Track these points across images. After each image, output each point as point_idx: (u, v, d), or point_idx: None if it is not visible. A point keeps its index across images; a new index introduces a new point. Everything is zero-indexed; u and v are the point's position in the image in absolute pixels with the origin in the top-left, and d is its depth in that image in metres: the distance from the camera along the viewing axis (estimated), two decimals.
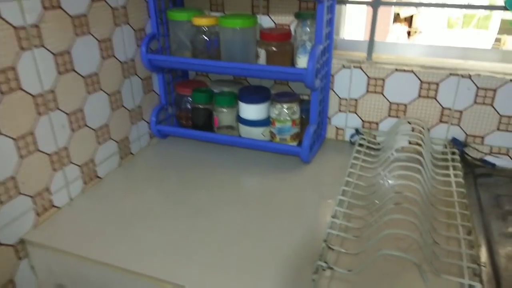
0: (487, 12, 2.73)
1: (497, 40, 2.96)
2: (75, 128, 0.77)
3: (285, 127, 0.90)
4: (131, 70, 0.90)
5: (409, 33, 3.19)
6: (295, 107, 0.90)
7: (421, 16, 3.09)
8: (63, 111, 0.74)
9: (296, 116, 0.90)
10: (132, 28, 0.89)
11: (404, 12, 2.89)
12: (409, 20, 3.17)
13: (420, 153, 0.78)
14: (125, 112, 0.91)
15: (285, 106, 0.89)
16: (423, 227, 0.60)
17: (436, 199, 0.73)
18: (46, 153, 0.72)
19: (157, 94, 1.02)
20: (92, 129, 0.82)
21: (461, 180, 0.77)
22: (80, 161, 0.80)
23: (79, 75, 0.77)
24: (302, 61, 0.88)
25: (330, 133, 1.02)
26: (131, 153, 0.95)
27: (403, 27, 2.98)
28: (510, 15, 2.94)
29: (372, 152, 0.90)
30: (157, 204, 0.78)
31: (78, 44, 0.75)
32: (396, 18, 3.08)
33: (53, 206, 0.75)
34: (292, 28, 0.95)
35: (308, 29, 0.86)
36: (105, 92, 0.83)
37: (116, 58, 0.85)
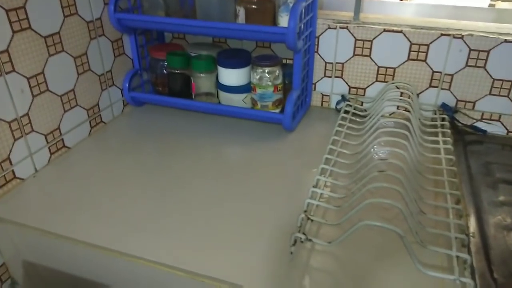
0: None
1: (491, 5, 2.89)
2: (36, 93, 0.71)
3: (267, 93, 0.85)
4: (98, 30, 0.83)
5: None
6: (277, 71, 0.84)
7: None
8: (21, 74, 0.67)
9: (279, 81, 0.84)
10: None
11: None
12: None
13: (408, 119, 0.73)
14: (93, 76, 0.84)
15: (266, 70, 0.83)
16: (408, 196, 0.56)
17: (424, 167, 0.69)
18: (4, 120, 0.66)
19: (129, 58, 0.95)
20: (56, 94, 0.75)
21: (450, 147, 0.73)
22: (45, 130, 0.74)
23: (38, 34, 0.69)
24: (284, 20, 0.81)
25: (315, 100, 0.96)
26: (103, 122, 0.89)
27: None
28: None
29: (358, 119, 0.85)
30: (129, 175, 0.73)
31: None
32: None
33: (16, 177, 0.70)
34: None
35: None
36: (68, 54, 0.76)
37: (80, 17, 0.78)
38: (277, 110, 0.88)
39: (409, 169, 0.62)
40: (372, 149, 0.69)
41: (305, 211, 0.58)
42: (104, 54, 0.86)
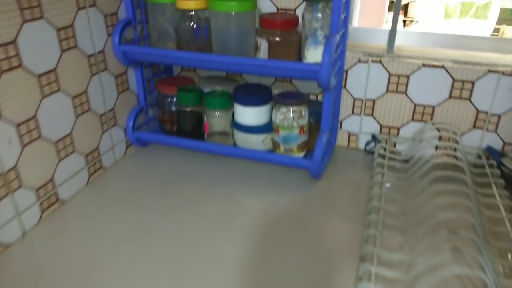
0: (487, 0, 2.59)
1: (496, 30, 2.84)
2: (26, 142, 0.60)
3: (292, 135, 0.74)
4: (100, 65, 0.73)
5: (404, 22, 3.04)
6: (304, 110, 0.74)
7: (417, 5, 2.94)
8: (8, 121, 0.57)
9: (305, 122, 0.74)
10: (101, 12, 0.71)
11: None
12: (404, 9, 3.02)
13: (461, 170, 0.63)
14: (94, 117, 0.73)
15: (291, 109, 0.73)
16: (489, 267, 0.45)
17: (486, 229, 0.59)
18: None
19: (134, 94, 0.84)
20: (50, 141, 0.64)
21: (510, 203, 0.63)
22: (36, 183, 0.63)
23: (30, 73, 0.59)
24: (311, 54, 0.72)
25: (341, 139, 0.86)
26: (103, 167, 0.78)
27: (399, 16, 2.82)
28: (510, 4, 2.81)
29: (397, 164, 0.75)
30: (133, 233, 0.61)
31: (26, 31, 0.57)
32: (391, 6, 2.92)
33: None
34: (299, 14, 0.78)
35: (320, 15, 0.69)
36: (66, 93, 0.66)
37: (81, 50, 0.68)
38: (302, 154, 0.77)
39: (478, 235, 0.52)
40: (429, 207, 0.59)
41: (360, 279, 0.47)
42: (106, 91, 0.75)
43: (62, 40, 0.63)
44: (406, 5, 2.95)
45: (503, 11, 2.81)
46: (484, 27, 2.80)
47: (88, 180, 0.74)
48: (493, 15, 2.83)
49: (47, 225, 0.64)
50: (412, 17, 2.98)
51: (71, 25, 0.65)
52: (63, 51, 0.64)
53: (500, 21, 2.83)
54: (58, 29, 0.62)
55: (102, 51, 0.73)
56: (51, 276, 0.55)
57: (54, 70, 0.63)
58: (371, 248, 0.54)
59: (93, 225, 0.64)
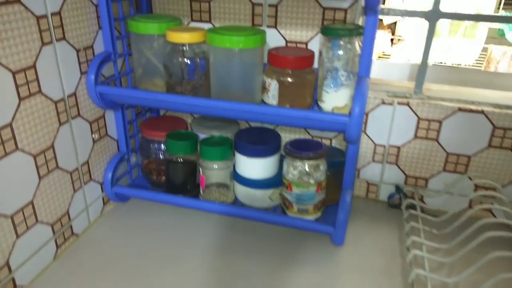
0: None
1: (484, 49, 2.81)
2: None
3: (307, 194, 0.62)
4: (71, 111, 0.58)
5: (392, 40, 2.99)
6: (322, 164, 0.62)
7: (405, 23, 2.89)
8: None
9: (323, 177, 0.62)
10: (72, 46, 0.57)
11: (388, 18, 2.69)
12: (392, 27, 2.98)
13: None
14: (62, 176, 0.59)
15: (307, 164, 0.61)
16: None
17: None
18: None
19: (113, 140, 0.70)
20: (5, 216, 0.49)
21: None
22: None
23: None
24: (331, 98, 0.60)
25: (359, 189, 0.74)
26: (74, 234, 0.63)
27: (386, 34, 2.79)
28: (498, 24, 2.81)
29: (432, 219, 0.63)
30: None
31: None
32: (379, 24, 2.84)
33: None
34: (312, 47, 0.66)
35: (342, 52, 0.58)
36: (25, 152, 0.51)
37: (45, 96, 0.53)
38: (318, 214, 0.65)
39: None
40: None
41: None
42: (79, 142, 0.61)
43: (20, 85, 0.49)
44: (395, 23, 2.91)
45: (491, 30, 2.80)
46: (472, 47, 2.77)
47: (55, 254, 0.59)
48: (482, 34, 2.81)
49: None
50: (400, 36, 2.94)
51: (33, 66, 0.50)
52: (21, 99, 0.49)
53: (488, 40, 2.82)
54: (15, 73, 0.48)
55: (73, 94, 0.58)
56: None
57: (9, 125, 0.48)
58: None
59: None
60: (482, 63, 2.47)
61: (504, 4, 2.58)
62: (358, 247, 0.62)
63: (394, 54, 2.55)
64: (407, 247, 0.58)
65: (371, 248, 0.62)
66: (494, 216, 0.68)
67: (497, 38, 2.67)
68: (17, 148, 0.50)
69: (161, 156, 0.71)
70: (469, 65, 2.48)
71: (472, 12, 2.48)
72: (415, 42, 2.78)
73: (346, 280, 0.56)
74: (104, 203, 0.70)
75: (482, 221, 0.55)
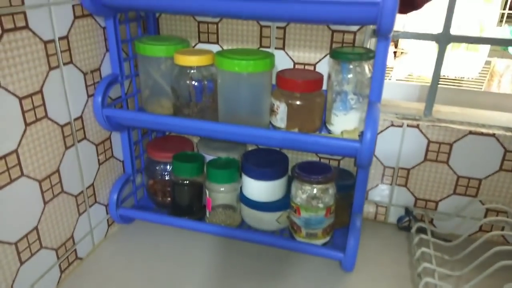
0: (477, 33, 2.56)
1: (487, 62, 2.82)
2: None
3: (316, 218, 0.61)
4: (78, 134, 0.58)
5: (395, 54, 2.99)
6: (331, 188, 0.61)
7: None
8: None
9: (332, 201, 0.61)
10: (79, 69, 0.56)
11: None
12: (395, 40, 2.98)
13: None
14: (67, 200, 0.58)
15: (316, 187, 0.60)
16: None
17: None
18: None
19: (119, 161, 0.69)
20: (8, 243, 0.48)
21: None
22: None
23: None
24: (340, 121, 0.59)
25: (367, 212, 0.73)
26: (78, 258, 0.62)
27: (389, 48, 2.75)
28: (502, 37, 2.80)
29: (444, 244, 0.62)
30: None
31: None
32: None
33: None
34: (320, 70, 0.66)
35: (351, 75, 0.57)
36: (31, 178, 0.50)
37: (52, 120, 0.53)
38: (327, 239, 0.63)
39: None
40: None
41: None
42: (84, 165, 0.60)
43: (27, 111, 0.48)
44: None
45: None
46: (475, 60, 2.78)
47: (59, 279, 0.58)
48: (485, 48, 2.81)
49: None
50: (402, 49, 2.95)
51: (40, 91, 0.50)
52: (27, 125, 0.49)
53: (491, 53, 2.82)
54: (21, 98, 0.47)
55: (79, 117, 0.58)
56: None
57: (15, 151, 0.47)
58: None
59: None
60: (485, 77, 2.47)
61: (507, 17, 2.59)
62: (368, 273, 0.61)
63: (396, 67, 2.55)
64: (419, 274, 0.57)
65: (381, 274, 0.61)
66: (507, 240, 0.67)
67: (500, 51, 2.68)
68: (22, 174, 0.49)
69: (166, 177, 0.70)
70: (472, 79, 2.48)
71: (476, 27, 2.49)
72: (418, 55, 2.79)
73: None
74: (108, 225, 0.69)
75: (495, 249, 0.53)
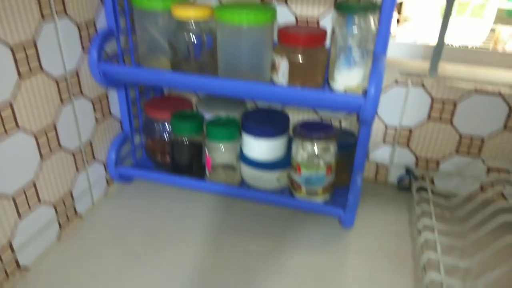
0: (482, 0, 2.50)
1: (492, 30, 2.75)
2: None
3: (317, 176, 0.60)
4: (73, 88, 0.56)
5: (398, 21, 2.92)
6: (332, 146, 0.60)
7: (411, 3, 2.81)
8: None
9: (333, 159, 0.60)
10: (73, 21, 0.54)
11: None
12: (398, 7, 2.91)
13: None
14: (65, 156, 0.57)
15: (317, 145, 0.59)
16: None
17: None
18: None
19: (117, 119, 0.68)
20: (6, 196, 0.48)
21: None
22: None
23: None
24: (343, 78, 0.58)
25: (368, 171, 0.73)
26: (77, 215, 0.62)
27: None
28: (508, 5, 2.74)
29: (444, 202, 0.62)
30: None
31: None
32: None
33: None
34: (324, 24, 0.64)
35: (357, 29, 0.55)
36: (27, 131, 0.49)
37: (46, 73, 0.51)
38: (327, 197, 0.63)
39: None
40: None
41: None
42: (81, 121, 0.59)
43: (20, 61, 0.47)
44: (401, 3, 2.84)
45: (499, 11, 2.73)
46: (480, 26, 2.72)
47: (59, 236, 0.58)
48: (490, 14, 2.75)
49: None
50: (406, 16, 2.88)
51: (32, 40, 0.48)
52: (21, 76, 0.47)
53: (497, 20, 2.75)
54: (13, 47, 0.46)
55: (75, 72, 0.56)
56: None
57: (9, 104, 0.46)
58: None
59: None
60: (489, 45, 2.43)
61: None
62: (367, 230, 0.61)
63: (400, 34, 2.50)
64: (419, 230, 0.57)
65: (381, 231, 0.61)
66: (506, 199, 0.66)
67: (505, 18, 2.61)
68: (17, 126, 0.48)
69: (165, 136, 0.69)
70: (476, 47, 2.44)
71: None
72: (422, 22, 2.73)
73: (355, 263, 0.55)
74: (108, 184, 0.68)
75: (495, 205, 0.53)
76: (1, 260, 0.48)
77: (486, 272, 0.46)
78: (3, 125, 0.46)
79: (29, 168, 0.51)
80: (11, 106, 0.46)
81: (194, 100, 0.74)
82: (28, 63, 0.48)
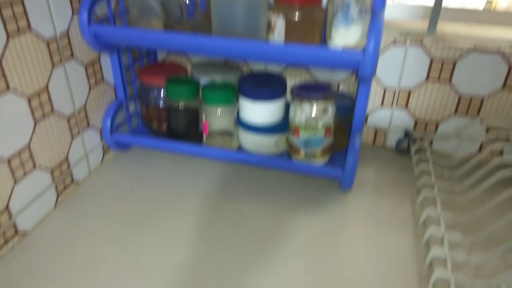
0: None
1: (489, 1, 2.70)
2: None
3: (315, 138, 0.60)
4: (65, 51, 0.55)
5: None
6: (331, 107, 0.59)
7: None
8: None
9: (331, 121, 0.60)
10: None
11: None
12: None
13: None
14: (59, 121, 0.56)
15: (316, 106, 0.58)
16: None
17: None
18: None
19: (110, 86, 0.67)
20: (1, 159, 0.47)
21: None
22: None
23: None
24: (340, 35, 0.56)
25: (365, 136, 0.73)
26: (74, 182, 0.61)
27: None
28: None
29: (444, 172, 0.62)
30: (116, 268, 0.46)
31: None
32: None
33: None
34: None
35: None
36: (18, 93, 0.48)
37: (35, 33, 0.49)
38: (325, 159, 0.63)
39: None
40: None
41: None
42: (74, 85, 0.58)
43: (7, 19, 0.45)
44: None
45: None
46: None
47: (56, 202, 0.58)
48: None
49: (4, 268, 0.48)
50: None
51: (20, 1, 0.46)
52: (9, 35, 0.46)
53: None
54: (0, 5, 0.44)
55: (65, 33, 0.54)
56: None
57: None
58: (445, 273, 0.41)
59: (63, 261, 0.48)
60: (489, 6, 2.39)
61: None
62: (366, 192, 0.61)
63: None
64: (418, 188, 0.57)
65: (380, 193, 0.61)
66: (504, 156, 0.66)
67: None
68: (8, 87, 0.47)
69: (161, 103, 0.68)
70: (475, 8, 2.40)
71: None
72: None
73: (355, 223, 0.55)
74: (104, 152, 0.67)
75: (494, 162, 0.53)
76: (0, 225, 0.48)
77: (486, 226, 0.46)
78: None
79: (23, 132, 0.50)
80: (1, 66, 0.45)
81: (188, 65, 0.72)
82: (16, 22, 0.46)
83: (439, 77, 0.63)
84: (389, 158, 0.70)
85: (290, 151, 0.63)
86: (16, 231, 0.51)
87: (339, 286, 0.45)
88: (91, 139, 0.64)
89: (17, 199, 0.50)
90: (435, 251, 0.45)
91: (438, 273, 0.42)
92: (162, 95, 0.67)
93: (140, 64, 0.72)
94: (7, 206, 0.49)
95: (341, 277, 0.46)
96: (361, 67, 0.49)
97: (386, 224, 0.55)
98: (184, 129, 0.66)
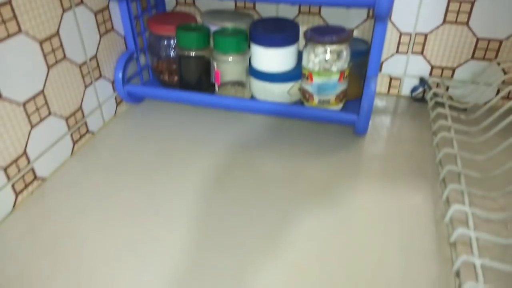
0: None
1: None
2: None
3: (329, 83, 0.59)
4: None
5: None
6: (345, 50, 0.58)
7: None
8: None
9: (346, 65, 0.59)
10: None
11: None
12: None
13: None
14: (71, 67, 0.56)
15: (329, 49, 0.57)
16: None
17: None
18: None
19: (120, 36, 0.66)
20: (17, 104, 0.47)
21: None
22: (3, 162, 0.47)
23: None
24: None
25: (380, 85, 0.71)
26: (90, 132, 0.62)
27: None
28: None
29: (461, 116, 0.61)
30: (131, 214, 0.47)
31: None
32: None
33: None
34: None
35: None
36: (30, 36, 0.48)
37: None
38: (340, 106, 0.62)
39: None
40: None
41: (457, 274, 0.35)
42: (84, 32, 0.57)
43: None
44: None
45: None
46: None
47: (72, 150, 0.58)
48: None
49: (25, 211, 0.49)
50: None
51: None
52: None
53: None
54: None
55: None
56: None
57: (8, 2, 0.44)
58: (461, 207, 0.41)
59: (81, 205, 0.49)
60: None
61: None
62: (381, 138, 0.61)
63: None
64: (434, 131, 0.56)
65: (395, 138, 0.61)
66: None
67: None
68: (19, 30, 0.46)
69: (171, 54, 0.67)
70: None
71: None
72: None
73: (370, 166, 0.55)
74: (117, 104, 0.67)
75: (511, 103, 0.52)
76: (19, 168, 0.49)
77: (503, 165, 0.45)
78: (5, 26, 0.44)
79: (37, 77, 0.50)
80: (12, 8, 0.44)
81: (198, 15, 0.71)
82: None
83: (456, 20, 0.62)
84: (404, 105, 0.69)
85: (303, 98, 0.63)
86: (35, 177, 0.52)
87: (352, 230, 0.46)
88: (104, 90, 0.63)
89: (34, 144, 0.51)
90: (452, 187, 0.45)
91: (456, 207, 0.42)
92: (172, 45, 0.66)
93: (149, 14, 0.71)
94: (25, 151, 0.49)
95: (353, 222, 0.47)
96: (378, 2, 0.47)
97: (402, 166, 0.55)
98: (196, 79, 0.66)
